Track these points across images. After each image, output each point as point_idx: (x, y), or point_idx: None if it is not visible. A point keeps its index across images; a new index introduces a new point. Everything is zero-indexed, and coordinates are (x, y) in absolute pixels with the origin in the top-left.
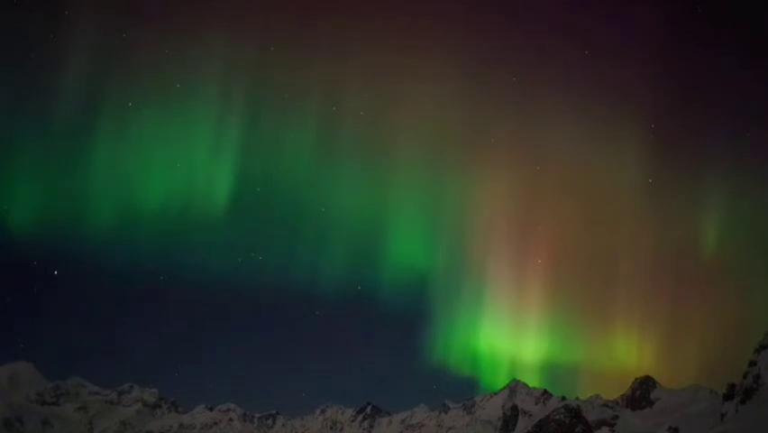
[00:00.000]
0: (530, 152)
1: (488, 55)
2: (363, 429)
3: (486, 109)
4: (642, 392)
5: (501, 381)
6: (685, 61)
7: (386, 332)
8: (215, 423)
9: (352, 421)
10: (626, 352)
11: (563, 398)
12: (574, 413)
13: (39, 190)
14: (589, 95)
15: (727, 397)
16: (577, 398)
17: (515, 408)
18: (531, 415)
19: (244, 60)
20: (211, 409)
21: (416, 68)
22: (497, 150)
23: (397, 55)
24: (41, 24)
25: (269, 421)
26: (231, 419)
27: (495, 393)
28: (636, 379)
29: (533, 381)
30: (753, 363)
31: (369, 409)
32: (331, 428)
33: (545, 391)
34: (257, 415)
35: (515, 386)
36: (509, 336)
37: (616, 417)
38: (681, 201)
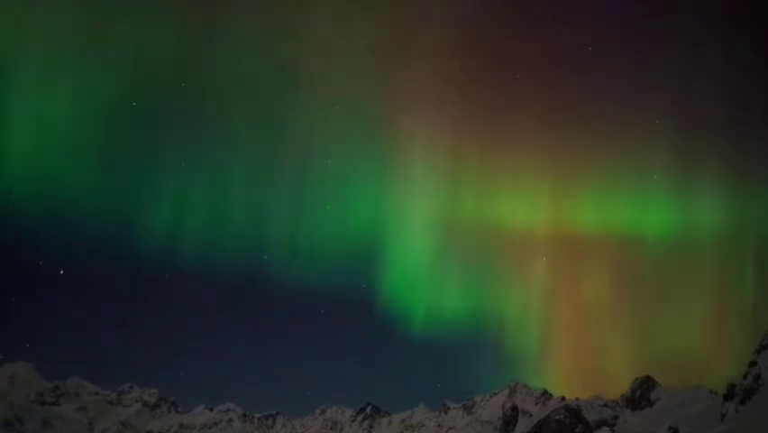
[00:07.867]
0: None
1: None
2: (363, 429)
3: None
4: (642, 392)
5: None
6: None
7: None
8: (215, 423)
9: (352, 421)
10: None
11: (563, 398)
12: (574, 413)
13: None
14: None
15: (727, 397)
16: (577, 398)
17: (515, 408)
18: (531, 415)
19: None
20: (211, 410)
21: None
22: None
23: None
24: None
25: (269, 421)
26: (231, 419)
27: (495, 393)
28: (636, 379)
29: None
30: (753, 364)
31: (369, 409)
32: (331, 428)
33: (545, 391)
34: (257, 415)
35: (515, 386)
36: None
37: (616, 417)
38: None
